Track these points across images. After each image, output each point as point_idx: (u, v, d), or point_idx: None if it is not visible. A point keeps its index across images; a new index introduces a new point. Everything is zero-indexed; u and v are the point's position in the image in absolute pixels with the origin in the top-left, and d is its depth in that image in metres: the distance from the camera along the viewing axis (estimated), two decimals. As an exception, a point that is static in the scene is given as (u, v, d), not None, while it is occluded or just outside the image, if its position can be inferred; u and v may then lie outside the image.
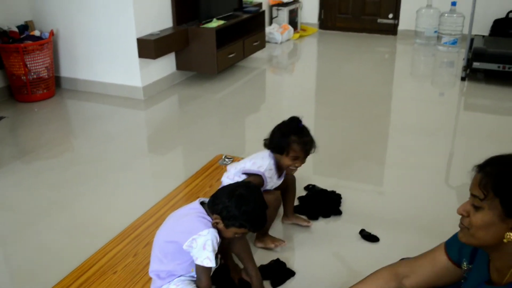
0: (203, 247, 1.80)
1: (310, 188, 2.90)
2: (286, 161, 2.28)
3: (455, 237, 1.61)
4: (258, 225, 1.90)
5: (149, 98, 4.60)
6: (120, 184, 3.12)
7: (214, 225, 1.86)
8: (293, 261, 2.31)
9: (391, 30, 6.83)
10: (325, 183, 2.95)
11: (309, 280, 2.20)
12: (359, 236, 2.48)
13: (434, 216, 2.66)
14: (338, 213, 2.67)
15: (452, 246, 1.62)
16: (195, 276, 1.90)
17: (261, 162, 2.30)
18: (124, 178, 3.19)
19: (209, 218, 1.88)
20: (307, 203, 2.73)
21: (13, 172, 3.29)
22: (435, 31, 6.19)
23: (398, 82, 5.08)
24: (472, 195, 1.38)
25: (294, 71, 5.72)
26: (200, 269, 1.85)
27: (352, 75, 5.25)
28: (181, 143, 3.76)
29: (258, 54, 5.89)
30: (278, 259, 2.30)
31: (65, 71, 4.82)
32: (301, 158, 2.28)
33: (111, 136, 3.84)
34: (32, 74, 4.42)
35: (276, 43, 6.50)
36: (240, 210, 1.82)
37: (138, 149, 3.66)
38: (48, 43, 4.46)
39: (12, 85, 4.50)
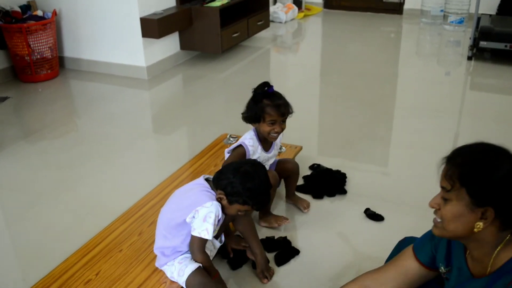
0: (204, 218, 1.82)
1: (315, 167, 2.90)
2: (264, 128, 2.25)
3: (422, 240, 1.60)
4: (262, 202, 1.90)
5: (153, 78, 4.58)
6: (125, 163, 3.12)
7: (218, 200, 1.87)
8: (297, 240, 2.32)
9: (397, 9, 6.75)
10: (330, 163, 2.94)
11: (313, 259, 2.20)
12: (364, 215, 2.48)
13: (438, 196, 2.65)
14: (343, 192, 2.67)
15: (421, 250, 1.59)
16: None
17: (243, 136, 2.34)
18: (128, 157, 3.19)
19: (213, 192, 1.89)
20: (312, 182, 2.73)
21: (18, 152, 3.30)
22: (441, 10, 6.12)
23: (403, 61, 5.03)
24: (441, 187, 1.37)
25: (298, 50, 5.68)
26: (195, 241, 1.86)
27: (357, 55, 5.20)
28: (186, 123, 3.75)
29: (263, 34, 5.84)
30: (286, 237, 2.31)
31: (69, 51, 4.80)
32: (278, 122, 2.24)
33: (115, 116, 3.83)
34: (36, 54, 4.40)
35: (280, 22, 6.45)
36: (245, 186, 1.82)
37: (142, 129, 3.65)
38: (51, 23, 4.43)
39: (16, 65, 4.49)
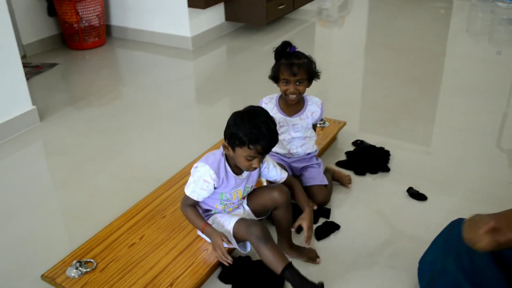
0: (192, 173, 1.92)
1: (358, 143, 2.87)
2: (281, 87, 2.27)
3: None
4: (259, 139, 1.78)
5: (197, 48, 4.59)
6: (168, 132, 3.17)
7: (227, 153, 1.88)
8: (338, 215, 2.32)
9: (448, -16, 6.51)
10: (373, 140, 2.91)
11: (353, 235, 2.20)
12: (407, 194, 2.46)
13: (483, 179, 2.60)
14: (386, 169, 2.64)
15: None
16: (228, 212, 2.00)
17: None
18: (172, 126, 3.24)
19: (221, 151, 1.92)
20: (355, 158, 2.71)
21: (67, 117, 3.39)
22: (496, -14, 5.88)
23: (452, 39, 4.88)
24: None
25: (344, 24, 5.58)
26: (184, 199, 1.95)
27: (405, 31, 5.08)
28: (228, 94, 3.76)
29: (308, 7, 5.76)
30: (325, 208, 2.33)
31: (116, 20, 4.86)
32: (292, 82, 2.21)
33: (159, 85, 3.88)
34: (84, 22, 4.47)
35: (326, -5, 6.33)
36: (238, 125, 1.81)
37: (186, 99, 3.69)
38: (99, -9, 4.49)
39: (65, 32, 4.58)
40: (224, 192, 1.94)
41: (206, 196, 1.93)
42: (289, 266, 1.82)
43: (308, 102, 2.36)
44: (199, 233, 2.04)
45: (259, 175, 2.06)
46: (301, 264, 2.03)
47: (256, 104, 2.02)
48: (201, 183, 1.89)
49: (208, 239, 1.99)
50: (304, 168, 2.42)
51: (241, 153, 1.82)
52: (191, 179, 1.93)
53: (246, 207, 2.07)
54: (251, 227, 1.86)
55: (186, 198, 1.94)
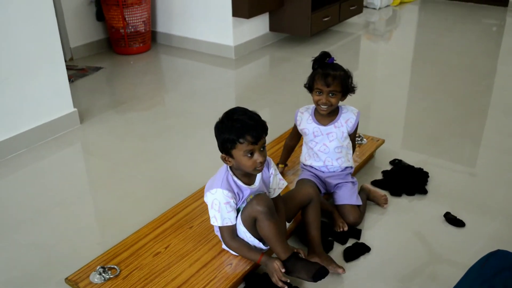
0: (211, 205, 1.87)
1: (396, 162, 2.78)
2: (314, 97, 2.25)
3: None
4: (245, 129, 1.76)
5: (240, 57, 4.59)
6: (206, 140, 3.15)
7: (227, 163, 1.87)
8: (369, 237, 2.24)
9: (502, 0, 6.30)
10: (414, 159, 2.81)
11: (383, 258, 2.12)
12: (443, 218, 2.35)
13: (529, 205, 2.47)
14: (424, 192, 2.54)
15: None
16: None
17: None
18: (210, 135, 3.19)
19: (224, 168, 1.91)
20: (391, 178, 2.62)
21: (106, 121, 3.44)
22: (554, 4, 5.64)
23: (504, 57, 4.70)
24: None
25: (391, 39, 5.47)
26: (220, 230, 1.92)
27: (454, 47, 4.92)
28: (268, 105, 3.73)
29: (354, 19, 5.68)
30: (356, 228, 2.26)
31: (161, 27, 4.92)
32: (325, 93, 2.18)
33: (200, 93, 3.89)
34: (130, 27, 4.54)
35: (374, 8, 6.24)
36: (222, 129, 1.81)
37: (226, 107, 3.62)
38: (146, -2, 4.56)
39: (111, 37, 4.67)
40: (242, 206, 1.92)
41: (236, 216, 1.90)
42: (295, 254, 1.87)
43: (343, 111, 2.33)
44: (224, 247, 2.01)
45: (270, 183, 2.01)
46: (326, 277, 1.97)
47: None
48: (224, 208, 1.86)
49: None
50: (338, 186, 2.35)
51: (239, 154, 1.80)
52: (213, 211, 1.88)
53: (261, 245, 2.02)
54: (254, 205, 1.84)
55: (223, 230, 1.91)
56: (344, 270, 1.98)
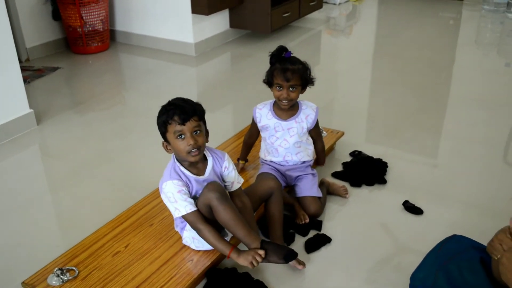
0: (168, 199, 1.87)
1: (356, 154, 2.80)
2: (274, 92, 2.25)
3: None
4: (173, 110, 1.82)
5: (200, 54, 4.56)
6: (165, 139, 3.13)
7: (167, 151, 1.92)
8: (330, 228, 2.25)
9: (459, -6, 6.44)
10: (373, 151, 2.84)
11: (344, 248, 2.14)
12: (402, 207, 2.38)
13: (486, 193, 2.52)
14: (383, 182, 2.57)
15: None
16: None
17: None
18: (169, 133, 3.19)
19: (172, 159, 1.93)
20: (351, 169, 2.65)
21: (65, 121, 3.36)
22: (506, -3, 5.80)
23: (461, 50, 4.80)
24: None
25: (351, 34, 5.52)
26: (185, 219, 1.87)
27: (413, 41, 5.01)
28: (230, 101, 3.72)
29: (315, 15, 5.71)
30: (317, 220, 2.27)
31: (120, 25, 4.84)
32: (285, 88, 2.18)
33: (161, 91, 3.84)
34: (88, 26, 4.46)
35: (334, 4, 6.28)
36: (159, 116, 1.88)
37: (186, 106, 3.64)
38: (104, -4, 4.48)
39: (69, 36, 4.57)
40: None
41: (194, 202, 1.87)
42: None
43: (303, 106, 2.33)
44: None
45: (225, 176, 2.00)
46: (287, 270, 1.97)
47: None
48: (180, 197, 1.84)
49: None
50: (299, 178, 2.36)
51: (171, 138, 1.83)
52: (171, 205, 1.87)
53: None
54: (205, 192, 1.84)
55: (189, 218, 1.85)
56: (304, 266, 1.98)
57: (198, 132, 1.84)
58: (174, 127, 1.80)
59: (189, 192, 1.88)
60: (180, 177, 1.87)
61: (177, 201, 1.84)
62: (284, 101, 2.22)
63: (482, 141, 3.02)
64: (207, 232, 1.84)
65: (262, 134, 2.40)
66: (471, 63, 4.39)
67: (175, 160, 1.91)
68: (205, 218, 1.87)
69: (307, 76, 2.24)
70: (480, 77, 4.05)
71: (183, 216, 1.86)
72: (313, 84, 2.29)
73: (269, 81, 2.26)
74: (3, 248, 2.20)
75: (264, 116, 2.33)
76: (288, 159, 2.35)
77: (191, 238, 1.96)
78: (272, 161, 2.38)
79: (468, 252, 1.67)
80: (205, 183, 1.90)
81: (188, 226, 1.94)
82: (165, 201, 1.89)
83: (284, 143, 2.32)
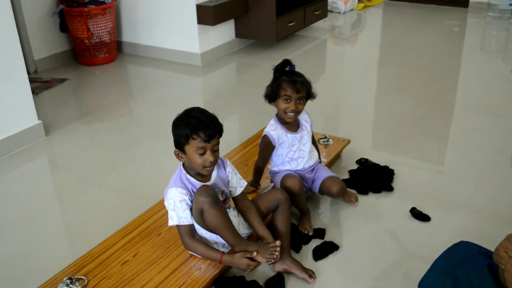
0: (168, 205, 1.90)
1: (363, 162, 2.81)
2: (280, 105, 2.23)
3: None
4: (200, 126, 1.81)
5: (207, 64, 4.59)
6: (172, 148, 3.14)
7: (180, 160, 1.91)
8: (338, 236, 2.26)
9: (462, 1, 6.45)
10: (380, 158, 2.85)
11: (352, 256, 2.14)
12: (409, 214, 2.39)
13: (493, 199, 2.52)
14: (390, 189, 2.57)
15: None
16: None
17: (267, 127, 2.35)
18: (176, 143, 3.21)
19: (179, 167, 1.95)
20: (358, 177, 2.65)
21: (73, 132, 3.39)
22: (510, 4, 5.80)
23: (466, 56, 4.81)
24: None
25: (356, 42, 5.54)
26: (178, 230, 1.92)
27: (418, 48, 5.02)
28: (236, 111, 3.74)
29: (320, 24, 5.75)
30: (320, 228, 2.28)
31: (127, 36, 4.89)
32: (293, 99, 2.18)
33: (168, 101, 3.87)
34: (95, 38, 4.50)
35: (339, 12, 6.32)
36: (178, 125, 1.85)
37: (193, 115, 3.66)
38: (110, 8, 4.52)
39: (76, 48, 4.62)
40: None
41: (191, 216, 1.89)
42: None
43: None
44: (191, 252, 2.00)
45: (229, 181, 2.02)
46: (295, 281, 1.97)
47: (264, 123, 2.03)
48: (179, 206, 1.87)
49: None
50: (314, 171, 2.40)
51: (191, 151, 1.83)
52: (170, 212, 1.90)
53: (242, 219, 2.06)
54: (197, 196, 1.85)
55: (180, 229, 1.91)
56: (314, 278, 1.98)
57: (217, 148, 1.88)
58: (198, 143, 1.81)
59: (191, 201, 1.89)
60: (186, 186, 1.89)
61: (175, 209, 1.87)
62: (290, 114, 2.23)
63: (488, 147, 3.02)
64: (196, 244, 1.90)
65: (276, 151, 2.35)
66: (476, 70, 4.39)
67: (182, 168, 1.93)
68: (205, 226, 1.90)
69: (310, 89, 2.27)
70: (485, 84, 4.05)
71: (177, 226, 1.90)
72: (314, 98, 2.31)
73: (273, 95, 2.24)
74: (12, 257, 2.22)
75: (280, 134, 2.30)
76: (306, 166, 2.37)
77: None
78: (289, 169, 2.38)
79: (475, 258, 1.66)
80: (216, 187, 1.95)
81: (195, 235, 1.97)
82: (166, 207, 1.92)
83: (302, 153, 2.35)
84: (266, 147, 2.31)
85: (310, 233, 2.23)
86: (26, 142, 3.16)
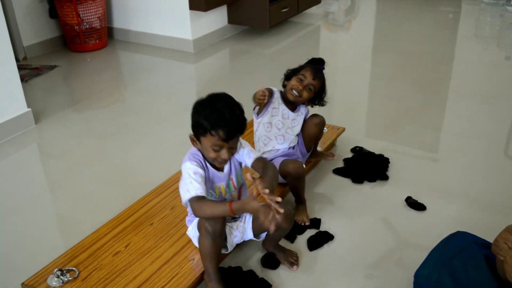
0: (183, 181, 1.75)
1: (357, 150, 2.78)
2: (292, 81, 2.28)
3: None
4: (221, 124, 1.67)
5: (199, 51, 4.53)
6: (165, 136, 3.10)
7: (194, 145, 1.81)
8: (332, 225, 2.23)
9: (458, -12, 6.40)
10: (374, 146, 2.82)
11: (347, 245, 2.12)
12: (405, 203, 2.36)
13: (488, 187, 2.50)
14: (385, 178, 2.55)
15: None
16: None
17: None
18: (169, 130, 3.17)
19: (193, 150, 1.83)
20: (352, 165, 2.63)
21: (63, 120, 3.34)
22: (506, -10, 5.77)
23: (460, 44, 4.78)
24: None
25: (350, 29, 5.49)
26: (193, 207, 1.70)
27: (412, 35, 4.98)
28: (228, 99, 3.69)
29: (313, 10, 5.69)
30: (315, 218, 2.26)
31: (118, 22, 4.81)
32: (305, 84, 2.25)
33: (159, 89, 3.82)
34: (85, 24, 4.43)
35: (333, -1, 6.25)
36: (199, 111, 1.71)
37: (186, 103, 3.61)
38: (101, -7, 4.44)
39: (66, 34, 4.54)
40: (210, 193, 1.85)
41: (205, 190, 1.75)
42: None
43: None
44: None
45: (241, 165, 1.92)
46: (288, 275, 1.95)
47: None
48: (195, 178, 1.72)
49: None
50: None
51: (207, 143, 1.72)
52: (185, 183, 1.73)
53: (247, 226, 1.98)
54: (204, 221, 1.74)
55: (192, 201, 1.70)
56: (297, 266, 1.99)
57: (235, 146, 1.78)
58: (215, 140, 1.69)
59: (204, 177, 1.78)
60: (200, 163, 1.78)
61: (192, 182, 1.71)
62: (294, 92, 2.26)
63: (483, 135, 3.00)
64: (201, 204, 1.69)
65: (265, 118, 2.32)
66: (471, 57, 4.37)
67: (198, 150, 1.81)
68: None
69: (321, 94, 2.34)
70: (480, 71, 4.03)
71: (191, 201, 1.71)
72: (322, 105, 2.38)
73: (292, 73, 2.32)
74: (1, 249, 2.18)
75: (278, 100, 2.35)
76: (292, 145, 2.38)
77: (192, 237, 1.96)
78: (276, 149, 2.35)
79: (472, 249, 1.65)
80: (226, 177, 1.86)
81: (194, 222, 1.91)
82: (180, 184, 1.78)
83: (289, 132, 2.35)
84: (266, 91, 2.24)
85: (307, 224, 2.20)
86: (15, 130, 3.11)
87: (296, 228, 2.18)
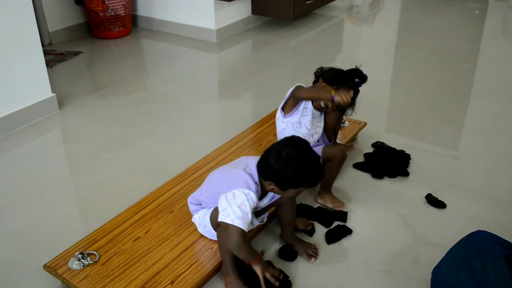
0: (239, 205, 1.70)
1: (378, 145, 2.77)
2: (330, 89, 2.11)
3: None
4: (314, 181, 1.76)
5: (222, 41, 4.54)
6: (186, 125, 3.12)
7: (270, 190, 1.78)
8: (351, 220, 2.23)
9: (485, -17, 6.29)
10: (395, 142, 2.81)
11: (365, 240, 2.12)
12: (425, 200, 2.35)
13: (509, 186, 2.47)
14: (405, 174, 2.53)
15: None
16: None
17: None
18: (191, 119, 3.19)
19: (256, 179, 1.77)
20: (373, 160, 2.61)
21: (86, 106, 3.38)
22: (535, -13, 5.65)
23: (486, 40, 4.70)
24: None
25: (374, 22, 5.44)
26: (232, 230, 1.69)
27: (437, 31, 4.92)
28: (251, 89, 3.70)
29: (338, 3, 5.64)
30: (341, 211, 2.27)
31: (142, 10, 4.84)
32: (346, 94, 2.04)
33: (182, 77, 3.84)
34: (110, 11, 4.46)
35: (358, -8, 6.20)
36: (291, 172, 1.68)
37: (208, 92, 3.64)
38: (126, -20, 4.47)
39: (91, 21, 4.58)
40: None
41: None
42: None
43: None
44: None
45: None
46: (305, 267, 1.96)
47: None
48: (251, 212, 1.73)
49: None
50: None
51: (291, 191, 1.78)
52: (242, 210, 1.69)
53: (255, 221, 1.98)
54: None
55: (237, 231, 1.69)
56: (315, 258, 2.01)
57: None
58: (303, 189, 1.79)
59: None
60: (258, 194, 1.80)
61: (248, 214, 1.70)
62: (323, 106, 2.21)
63: (506, 133, 2.96)
64: (241, 248, 1.74)
65: (294, 118, 2.26)
66: (496, 54, 4.30)
67: (259, 180, 1.79)
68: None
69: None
70: (505, 69, 3.96)
71: (238, 228, 1.69)
72: (345, 114, 2.38)
73: (334, 81, 2.19)
74: (24, 231, 2.22)
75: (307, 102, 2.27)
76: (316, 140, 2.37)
77: (198, 224, 1.99)
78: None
79: (493, 249, 1.64)
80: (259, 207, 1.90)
81: (201, 212, 1.95)
82: (229, 202, 1.71)
83: (319, 130, 2.33)
84: (302, 87, 2.23)
85: (309, 228, 2.17)
86: (39, 115, 3.15)
87: (323, 220, 2.20)
